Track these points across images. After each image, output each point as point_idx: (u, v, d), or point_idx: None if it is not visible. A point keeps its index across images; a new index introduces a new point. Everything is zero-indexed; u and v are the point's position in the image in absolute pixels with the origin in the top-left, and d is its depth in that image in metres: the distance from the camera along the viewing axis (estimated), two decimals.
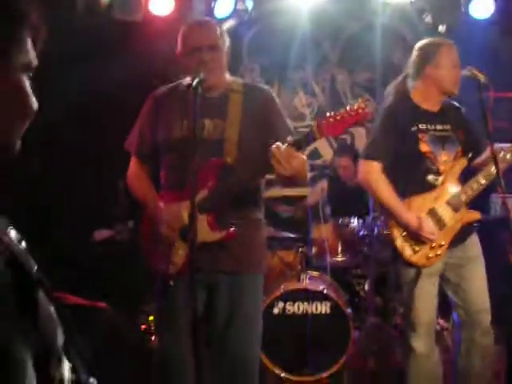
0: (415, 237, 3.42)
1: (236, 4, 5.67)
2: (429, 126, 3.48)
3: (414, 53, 3.56)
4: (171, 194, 2.95)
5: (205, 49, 2.86)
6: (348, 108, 2.64)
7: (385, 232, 4.14)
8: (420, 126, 3.47)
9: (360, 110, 2.63)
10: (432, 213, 3.44)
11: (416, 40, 3.72)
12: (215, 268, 2.89)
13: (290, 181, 2.82)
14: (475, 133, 3.46)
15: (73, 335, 1.07)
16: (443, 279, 3.55)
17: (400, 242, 3.46)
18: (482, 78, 3.07)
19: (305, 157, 2.78)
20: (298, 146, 2.64)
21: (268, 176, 2.89)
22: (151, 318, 4.70)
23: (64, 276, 4.67)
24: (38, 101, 1.17)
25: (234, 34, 6.27)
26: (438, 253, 3.43)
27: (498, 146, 3.46)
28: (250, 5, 5.82)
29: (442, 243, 3.43)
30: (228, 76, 3.05)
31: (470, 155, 3.51)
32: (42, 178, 5.40)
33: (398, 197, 3.46)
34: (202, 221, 2.81)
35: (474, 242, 3.54)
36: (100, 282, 4.89)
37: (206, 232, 2.81)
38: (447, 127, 3.50)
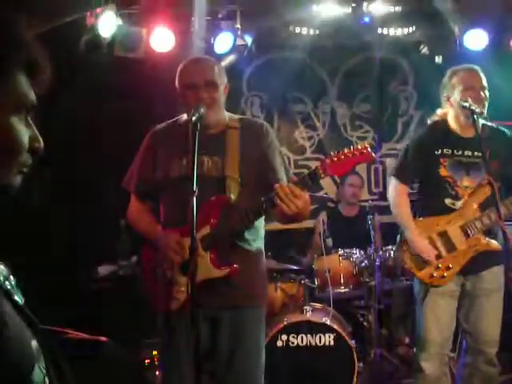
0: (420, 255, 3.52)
1: (235, 40, 5.74)
2: (455, 151, 3.55)
3: (444, 79, 3.66)
4: (172, 231, 2.95)
5: (201, 86, 2.89)
6: (352, 148, 2.69)
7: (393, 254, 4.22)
8: (445, 150, 3.56)
9: (364, 151, 2.68)
10: (443, 235, 3.51)
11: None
12: (217, 303, 2.90)
13: (292, 219, 2.83)
14: None
15: (59, 365, 1.06)
16: (459, 305, 3.57)
17: (406, 256, 3.59)
18: (475, 108, 3.12)
19: (308, 195, 2.78)
20: (303, 184, 2.68)
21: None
22: (155, 352, 4.68)
23: (67, 312, 4.71)
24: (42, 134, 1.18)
25: (234, 68, 6.38)
26: (444, 275, 3.46)
27: None
28: (249, 40, 5.90)
29: (450, 266, 3.46)
30: (225, 113, 3.08)
31: (498, 185, 3.52)
32: (44, 214, 5.43)
33: (416, 215, 3.65)
34: (205, 258, 2.84)
35: (495, 275, 3.55)
36: (103, 317, 4.89)
37: (209, 269, 2.83)
38: (478, 154, 3.51)
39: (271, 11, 5.65)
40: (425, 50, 6.29)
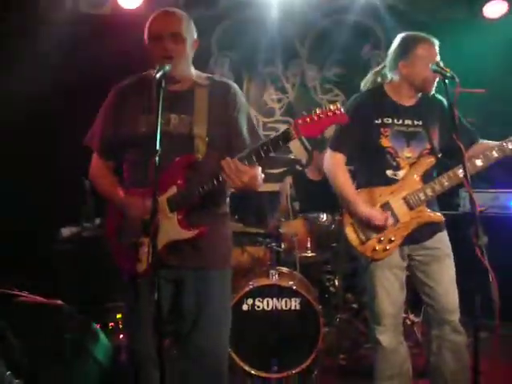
0: (363, 227, 3.44)
1: None
2: (395, 121, 3.45)
3: (393, 44, 3.52)
4: (136, 190, 2.87)
5: (167, 37, 2.80)
6: (325, 108, 2.61)
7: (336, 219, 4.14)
8: (385, 119, 3.44)
9: (337, 111, 2.61)
10: (386, 206, 3.43)
11: (384, 35, 3.71)
12: (182, 264, 2.86)
13: (240, 191, 2.78)
14: (456, 130, 3.06)
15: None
16: (411, 275, 3.56)
17: (348, 230, 3.49)
18: (448, 72, 3.04)
19: (257, 170, 2.79)
20: (250, 160, 2.64)
21: None
22: (119, 315, 4.64)
23: (28, 273, 4.63)
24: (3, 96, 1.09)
25: (203, 27, 6.25)
26: (387, 247, 3.41)
27: (486, 142, 3.46)
28: None
29: (392, 238, 3.41)
30: (193, 69, 2.99)
31: (439, 155, 3.48)
32: (5, 175, 5.32)
33: (356, 187, 3.50)
34: (172, 219, 2.79)
35: (440, 240, 3.51)
36: (65, 279, 4.82)
37: (177, 230, 2.79)
38: (418, 123, 3.46)
39: None
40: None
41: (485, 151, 3.37)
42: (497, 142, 3.41)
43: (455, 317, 3.44)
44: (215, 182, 2.72)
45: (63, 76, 5.37)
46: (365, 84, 3.69)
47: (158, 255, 2.41)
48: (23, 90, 5.13)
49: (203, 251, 2.89)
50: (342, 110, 2.63)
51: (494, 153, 3.36)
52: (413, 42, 3.41)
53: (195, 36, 2.95)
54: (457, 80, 2.97)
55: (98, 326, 3.45)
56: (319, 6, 6.26)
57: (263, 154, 2.63)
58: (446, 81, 3.02)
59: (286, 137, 2.62)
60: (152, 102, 2.71)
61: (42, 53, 5.19)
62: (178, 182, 2.80)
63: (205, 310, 2.91)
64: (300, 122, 2.61)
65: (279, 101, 6.84)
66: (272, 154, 2.67)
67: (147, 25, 2.89)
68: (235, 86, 3.07)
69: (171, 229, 2.76)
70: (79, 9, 5.42)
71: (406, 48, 3.42)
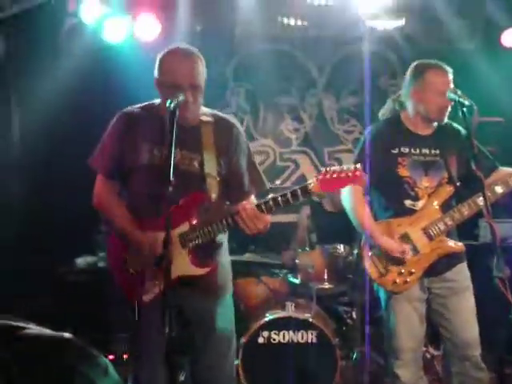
0: (383, 259, 3.37)
1: None
2: (412, 150, 3.42)
3: (407, 72, 3.52)
4: (142, 220, 2.89)
5: (186, 88, 2.80)
6: (345, 167, 2.63)
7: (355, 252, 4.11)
8: (402, 149, 3.42)
9: (358, 173, 2.62)
10: (405, 237, 3.37)
11: (401, 65, 3.71)
12: (190, 295, 2.88)
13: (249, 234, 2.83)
14: (475, 159, 3.07)
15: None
16: (431, 309, 3.48)
17: (367, 262, 3.43)
18: (466, 101, 3.01)
19: (269, 218, 2.81)
20: (268, 208, 2.69)
21: None
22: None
23: (43, 304, 4.60)
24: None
25: (219, 58, 6.28)
26: (407, 280, 3.34)
27: (505, 169, 3.41)
28: None
29: (413, 270, 3.34)
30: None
31: (458, 183, 3.42)
32: (24, 205, 5.33)
33: (374, 218, 3.47)
34: (184, 255, 2.81)
35: (460, 272, 3.44)
36: (80, 309, 4.79)
37: (188, 267, 2.81)
38: (435, 152, 3.43)
39: (260, 2, 5.55)
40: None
41: (504, 177, 3.32)
42: None
43: (476, 352, 3.35)
44: (228, 224, 2.77)
45: (80, 105, 5.41)
46: (383, 113, 3.67)
47: (170, 288, 2.40)
48: (39, 117, 5.18)
49: (212, 283, 2.93)
50: (362, 171, 2.64)
51: None
52: (423, 68, 3.41)
53: (205, 74, 2.94)
54: (475, 108, 2.94)
55: (108, 359, 3.41)
56: (337, 36, 6.27)
57: (281, 204, 2.68)
58: (464, 109, 2.99)
59: (305, 191, 2.66)
60: (160, 134, 2.78)
61: (60, 81, 5.23)
62: (192, 219, 2.82)
63: (211, 336, 2.96)
64: (321, 177, 2.63)
65: (296, 131, 6.82)
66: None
67: (162, 64, 2.89)
68: (238, 124, 3.10)
69: (182, 264, 2.79)
70: (98, 39, 5.46)
71: (417, 75, 3.42)
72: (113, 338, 4.81)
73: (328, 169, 2.64)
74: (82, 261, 5.20)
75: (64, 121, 5.36)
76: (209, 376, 3.02)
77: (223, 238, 3.05)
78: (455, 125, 3.49)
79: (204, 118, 2.95)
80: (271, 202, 2.69)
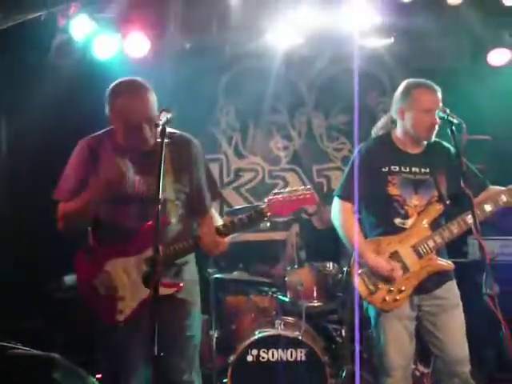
0: (373, 277, 3.37)
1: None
2: (403, 168, 3.43)
3: (396, 92, 3.54)
4: (106, 248, 3.02)
5: (144, 123, 2.89)
6: (296, 191, 2.81)
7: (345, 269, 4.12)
8: (392, 167, 3.43)
9: (308, 195, 2.80)
10: (394, 255, 3.38)
11: (391, 83, 3.74)
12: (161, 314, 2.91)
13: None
14: (464, 178, 3.05)
15: None
16: (420, 327, 3.47)
17: (357, 280, 3.42)
18: (455, 119, 3.03)
19: (227, 240, 3.01)
20: (226, 231, 2.92)
21: None
22: None
23: (32, 322, 4.56)
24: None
25: (209, 76, 6.30)
26: (397, 298, 3.34)
27: (494, 188, 3.43)
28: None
29: (402, 288, 3.34)
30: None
31: (447, 202, 3.43)
32: (11, 220, 5.29)
33: (366, 236, 3.47)
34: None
35: (449, 290, 3.44)
36: (68, 327, 4.75)
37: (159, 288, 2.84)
38: (425, 170, 3.44)
39: (248, 18, 5.57)
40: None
41: (494, 196, 3.33)
42: (505, 188, 3.38)
43: (466, 368, 3.35)
44: (191, 247, 2.95)
45: (68, 120, 5.41)
46: (375, 131, 3.68)
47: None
48: (27, 132, 5.17)
49: (174, 300, 3.03)
50: (312, 192, 2.82)
51: (502, 197, 3.34)
52: (411, 87, 3.45)
53: (155, 98, 3.00)
54: (464, 126, 2.96)
55: (95, 379, 3.40)
56: (327, 54, 6.30)
57: (239, 228, 2.90)
58: (453, 127, 3.01)
59: (260, 214, 2.88)
60: (123, 162, 2.97)
61: (48, 96, 5.23)
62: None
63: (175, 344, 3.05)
64: (273, 200, 2.82)
65: (285, 149, 6.82)
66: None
67: (113, 102, 2.94)
68: (193, 140, 3.17)
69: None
70: (87, 55, 5.46)
71: (405, 93, 3.45)
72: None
73: (278, 191, 2.80)
74: (70, 278, 5.15)
75: (52, 136, 5.35)
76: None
77: (188, 257, 3.13)
78: (445, 143, 3.50)
79: (159, 140, 2.97)
80: (230, 226, 2.90)
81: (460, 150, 3.01)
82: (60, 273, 5.18)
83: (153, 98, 2.95)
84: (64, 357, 2.55)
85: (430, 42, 5.82)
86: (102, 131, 3.12)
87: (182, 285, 3.02)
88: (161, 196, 2.50)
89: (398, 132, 3.52)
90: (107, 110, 2.96)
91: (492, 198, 3.34)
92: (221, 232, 2.91)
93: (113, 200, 2.96)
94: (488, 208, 3.31)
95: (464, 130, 2.96)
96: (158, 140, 2.94)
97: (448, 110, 3.10)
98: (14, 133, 5.58)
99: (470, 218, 3.26)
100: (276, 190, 2.86)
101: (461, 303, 3.44)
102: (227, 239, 2.99)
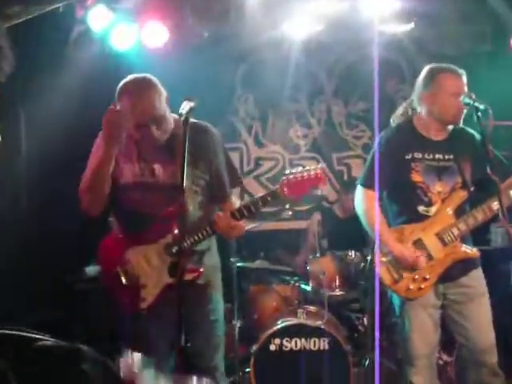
0: (397, 266, 3.34)
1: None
2: (426, 155, 3.39)
3: (420, 76, 3.50)
4: (127, 236, 3.08)
5: (151, 123, 2.90)
6: (306, 169, 2.84)
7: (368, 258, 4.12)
8: (415, 154, 3.39)
9: (318, 174, 2.82)
10: (418, 243, 3.35)
11: (410, 69, 3.70)
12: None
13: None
14: (490, 164, 3.10)
15: None
16: (445, 315, 3.44)
17: (381, 268, 3.40)
18: (481, 105, 2.99)
19: (243, 224, 3.09)
20: (242, 215, 2.92)
21: None
22: None
23: (54, 313, 4.59)
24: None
25: (227, 65, 6.26)
26: (422, 286, 3.31)
27: None
28: None
29: (427, 276, 3.31)
30: (171, 116, 3.03)
31: (472, 188, 3.39)
32: (33, 216, 5.31)
33: (389, 224, 3.45)
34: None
35: (475, 278, 3.41)
36: (91, 318, 4.77)
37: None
38: (449, 157, 3.39)
39: (265, 8, 5.53)
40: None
41: None
42: None
43: (493, 358, 3.31)
44: (208, 233, 2.96)
45: (87, 113, 5.39)
46: (395, 118, 3.63)
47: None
48: (48, 128, 5.17)
49: (195, 286, 3.05)
50: (322, 172, 2.85)
51: None
52: (436, 71, 3.40)
53: (164, 93, 3.00)
54: (490, 112, 2.92)
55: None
56: (345, 41, 6.24)
57: (254, 210, 2.91)
58: (479, 113, 2.97)
59: (273, 195, 2.89)
60: (139, 150, 3.02)
61: (67, 89, 5.23)
62: (173, 231, 2.95)
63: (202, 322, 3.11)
64: (285, 181, 2.83)
65: (305, 137, 6.79)
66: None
67: (121, 99, 2.96)
68: (210, 126, 3.16)
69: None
70: (106, 46, 5.45)
71: (430, 78, 3.40)
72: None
73: (290, 171, 2.83)
74: (91, 269, 5.18)
75: (73, 127, 5.34)
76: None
77: (209, 243, 3.16)
78: (469, 130, 3.46)
79: (176, 129, 2.99)
80: (244, 209, 2.91)
81: (486, 136, 2.97)
82: (81, 264, 5.22)
83: (160, 96, 2.95)
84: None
85: (451, 27, 5.73)
86: None
87: (202, 270, 3.04)
88: (184, 185, 2.53)
89: (422, 118, 3.46)
90: (120, 108, 2.97)
91: None
92: (235, 215, 2.93)
93: (133, 187, 3.01)
94: None
95: (490, 115, 2.92)
96: (175, 130, 3.00)
97: (473, 96, 3.06)
98: (33, 125, 5.58)
99: (495, 205, 3.23)
100: (288, 171, 2.88)
101: (487, 292, 3.40)
102: (243, 224, 3.05)
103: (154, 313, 2.99)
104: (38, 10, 3.62)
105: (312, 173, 2.82)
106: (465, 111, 3.32)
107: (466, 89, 3.30)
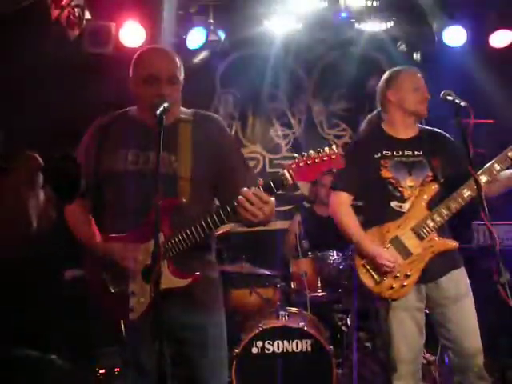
0: (376, 267, 3.34)
1: (208, 35, 5.59)
2: (395, 153, 3.44)
3: (379, 83, 3.62)
4: (117, 236, 2.74)
5: (164, 80, 2.70)
6: (321, 152, 2.49)
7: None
8: (384, 152, 3.45)
9: (334, 156, 2.48)
10: (395, 241, 3.34)
11: (391, 66, 3.76)
12: (182, 319, 2.72)
13: (257, 225, 2.64)
14: (460, 160, 3.23)
15: None
16: (430, 318, 3.41)
17: (361, 271, 3.39)
18: (461, 102, 2.98)
19: (273, 200, 2.61)
20: (271, 190, 2.50)
21: None
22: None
23: (32, 317, 4.51)
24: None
25: (206, 64, 6.20)
26: (404, 283, 3.29)
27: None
28: (222, 35, 5.75)
29: (408, 273, 3.30)
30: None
31: (441, 180, 3.39)
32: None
33: (365, 226, 3.44)
34: (163, 267, 2.60)
35: (457, 279, 3.38)
36: (67, 322, 4.71)
37: (169, 279, 2.62)
38: (418, 153, 3.45)
39: (246, 5, 5.49)
40: (403, 46, 6.20)
41: (487, 168, 3.28)
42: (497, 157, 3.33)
43: (479, 360, 3.28)
44: (221, 220, 2.57)
45: (65, 115, 5.32)
46: (369, 120, 3.69)
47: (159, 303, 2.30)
48: (24, 126, 5.08)
49: (202, 304, 2.78)
50: (339, 153, 2.50)
51: (495, 165, 3.29)
52: (395, 72, 3.58)
53: (183, 75, 2.84)
54: (470, 110, 2.91)
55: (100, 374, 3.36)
56: (325, 39, 6.22)
57: (275, 189, 2.50)
58: (460, 111, 2.97)
59: (279, 181, 2.51)
60: (134, 138, 2.74)
61: (44, 91, 5.15)
62: (165, 229, 2.62)
63: (201, 359, 2.79)
64: (294, 166, 2.49)
65: (285, 137, 6.76)
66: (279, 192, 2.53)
67: (137, 61, 2.80)
68: (221, 120, 2.97)
69: (163, 277, 2.51)
70: (82, 48, 5.38)
71: (390, 79, 3.56)
72: (100, 353, 4.72)
73: (301, 156, 2.50)
74: (70, 273, 5.10)
75: (50, 135, 5.26)
76: None
77: (207, 253, 2.87)
78: (437, 130, 3.58)
79: (182, 117, 2.83)
80: (263, 188, 2.51)
81: (466, 133, 2.96)
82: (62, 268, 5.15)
83: (178, 62, 2.78)
84: (63, 355, 2.49)
85: (429, 23, 5.74)
86: (119, 111, 2.95)
87: (198, 275, 2.68)
88: (159, 185, 2.37)
89: (389, 120, 3.54)
90: (131, 76, 2.80)
91: (487, 169, 3.29)
92: (269, 186, 2.50)
93: (124, 176, 2.75)
94: (484, 178, 3.25)
95: (470, 113, 2.92)
96: (182, 117, 2.81)
97: (453, 94, 3.05)
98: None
99: (466, 191, 3.26)
100: (297, 155, 2.53)
101: (471, 292, 3.37)
102: (273, 201, 2.59)
103: (145, 327, 2.58)
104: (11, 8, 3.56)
105: (326, 155, 2.48)
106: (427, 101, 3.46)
107: (423, 83, 3.50)
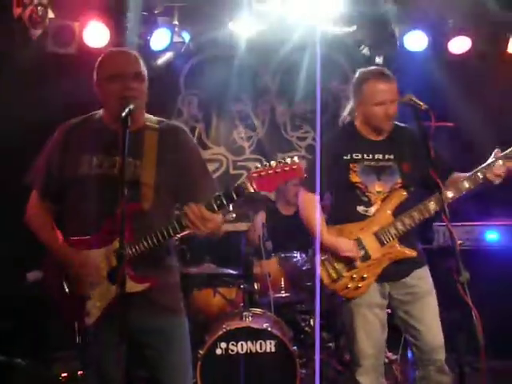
0: (334, 264, 3.38)
1: (172, 37, 5.58)
2: (365, 156, 3.43)
3: (352, 82, 3.57)
4: (79, 239, 2.75)
5: (130, 76, 2.71)
6: (282, 162, 2.52)
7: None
8: (354, 155, 3.44)
9: (295, 167, 2.52)
10: (357, 243, 3.37)
11: (352, 69, 3.74)
12: (142, 324, 2.71)
13: (204, 237, 2.70)
14: (432, 164, 3.13)
15: None
16: (394, 316, 3.47)
17: (320, 267, 3.41)
18: (422, 106, 3.03)
19: (220, 216, 2.68)
20: (231, 198, 2.55)
21: None
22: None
23: None
24: None
25: (170, 66, 6.19)
26: (359, 285, 3.35)
27: (458, 174, 3.42)
28: (186, 37, 5.76)
29: (364, 276, 3.35)
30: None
31: (412, 188, 3.43)
32: None
33: (328, 224, 3.45)
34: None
35: (420, 277, 3.44)
36: (28, 325, 4.66)
37: (128, 283, 2.54)
38: (389, 156, 3.44)
39: (210, 7, 5.50)
40: (365, 50, 6.27)
41: (456, 183, 3.34)
42: (467, 174, 3.39)
43: (441, 356, 3.36)
44: (176, 230, 2.62)
45: (26, 115, 5.25)
46: (343, 118, 3.67)
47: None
48: None
49: (161, 309, 2.80)
50: (300, 164, 2.54)
51: (464, 183, 3.33)
52: (362, 79, 3.47)
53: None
54: (431, 113, 2.96)
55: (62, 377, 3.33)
56: (288, 40, 6.25)
57: (225, 202, 2.55)
58: (420, 114, 3.02)
59: (238, 191, 2.54)
60: (100, 142, 2.74)
61: (5, 92, 5.07)
62: (125, 234, 2.54)
63: (164, 362, 2.80)
64: (255, 175, 2.52)
65: (249, 138, 6.79)
66: (232, 204, 2.58)
67: (101, 63, 2.80)
68: (185, 129, 3.00)
69: None
70: (45, 48, 5.31)
71: (357, 87, 3.48)
72: (62, 356, 4.67)
73: (263, 166, 2.52)
74: (32, 275, 5.04)
75: (10, 135, 5.18)
76: None
77: (167, 257, 2.88)
78: (411, 128, 3.50)
79: (148, 124, 2.85)
80: (217, 201, 2.55)
81: (427, 136, 3.01)
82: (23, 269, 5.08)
83: (141, 63, 2.80)
84: (28, 358, 2.47)
85: (392, 28, 5.82)
86: (86, 115, 2.94)
87: (156, 280, 2.73)
88: (124, 189, 2.38)
89: (359, 121, 3.53)
90: (95, 78, 2.80)
91: (454, 185, 3.33)
92: (210, 205, 2.55)
93: (88, 180, 2.75)
94: (450, 194, 3.30)
95: (431, 117, 2.96)
96: (148, 123, 2.83)
97: (414, 97, 3.10)
98: None
99: (431, 204, 3.28)
100: (259, 164, 2.54)
101: (434, 290, 3.44)
102: (218, 217, 2.64)
103: (102, 331, 2.67)
104: None
105: (287, 165, 2.50)
106: (393, 118, 3.40)
107: (394, 92, 3.36)
